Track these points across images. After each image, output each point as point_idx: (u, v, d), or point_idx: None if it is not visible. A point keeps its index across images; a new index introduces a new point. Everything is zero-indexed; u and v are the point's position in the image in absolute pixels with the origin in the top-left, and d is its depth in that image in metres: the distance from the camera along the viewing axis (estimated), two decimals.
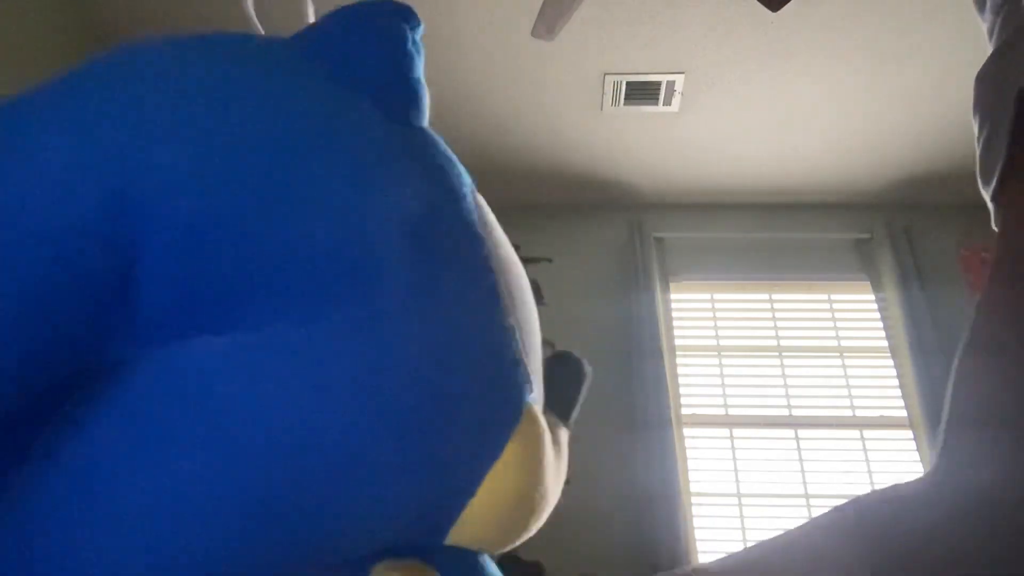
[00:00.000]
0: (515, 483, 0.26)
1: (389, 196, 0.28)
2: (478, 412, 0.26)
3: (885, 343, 2.82)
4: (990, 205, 0.41)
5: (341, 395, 0.25)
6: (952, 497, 0.32)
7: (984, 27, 0.44)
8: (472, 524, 0.27)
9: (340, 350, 0.25)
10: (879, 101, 2.61)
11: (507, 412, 0.26)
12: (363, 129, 0.31)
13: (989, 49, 0.43)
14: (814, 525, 0.36)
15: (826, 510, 0.36)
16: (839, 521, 0.34)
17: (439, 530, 0.28)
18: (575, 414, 0.30)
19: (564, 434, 0.28)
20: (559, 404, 0.29)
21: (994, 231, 0.42)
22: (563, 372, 0.29)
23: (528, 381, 0.27)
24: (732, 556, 0.36)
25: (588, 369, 0.29)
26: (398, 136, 0.32)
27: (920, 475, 0.36)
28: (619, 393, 2.67)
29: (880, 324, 2.86)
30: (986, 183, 0.41)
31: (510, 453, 0.26)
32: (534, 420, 0.27)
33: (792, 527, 0.35)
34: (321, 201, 0.26)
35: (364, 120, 0.31)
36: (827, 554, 0.31)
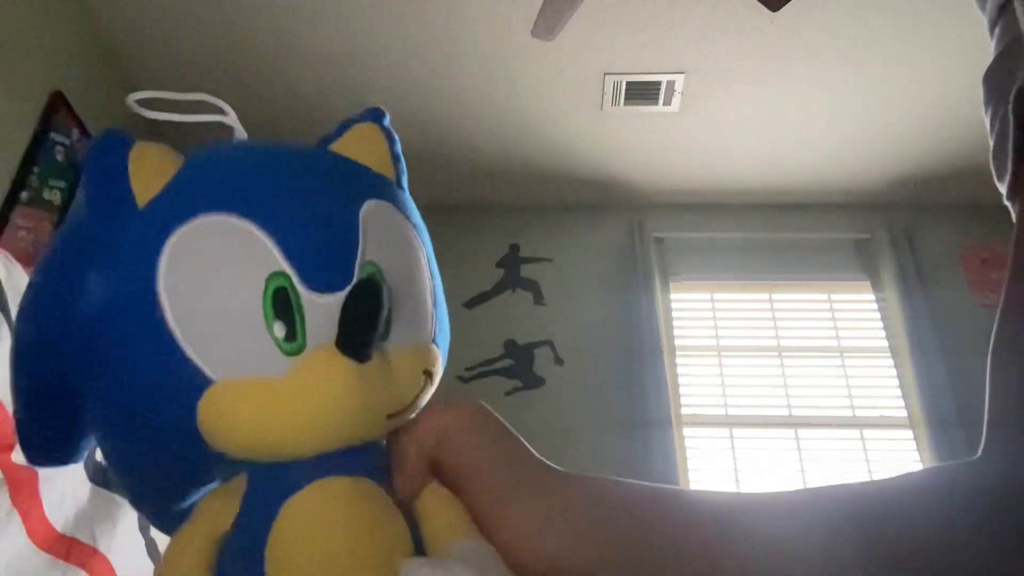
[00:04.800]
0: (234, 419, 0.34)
1: None
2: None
3: (885, 343, 2.82)
4: (1007, 203, 0.41)
5: None
6: (995, 493, 0.33)
7: (985, 22, 0.44)
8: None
9: None
10: (879, 101, 2.61)
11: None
12: None
13: (990, 46, 0.43)
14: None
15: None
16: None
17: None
18: (367, 340, 0.35)
19: (337, 361, 0.35)
20: (343, 339, 0.35)
21: (998, 232, 0.42)
22: (352, 308, 0.36)
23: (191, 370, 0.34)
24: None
25: (378, 298, 0.36)
26: None
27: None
28: (619, 393, 2.67)
29: (880, 324, 2.86)
30: (1000, 182, 0.41)
31: (206, 416, 0.34)
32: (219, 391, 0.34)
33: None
34: None
35: None
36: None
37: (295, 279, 0.35)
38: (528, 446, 0.38)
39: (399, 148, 0.44)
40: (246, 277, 0.35)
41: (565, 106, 2.67)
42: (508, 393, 2.71)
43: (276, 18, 2.36)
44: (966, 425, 2.48)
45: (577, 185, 3.04)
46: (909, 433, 2.63)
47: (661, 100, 2.61)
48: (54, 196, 2.17)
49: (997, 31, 0.41)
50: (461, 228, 2.97)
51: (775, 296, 2.96)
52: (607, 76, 2.54)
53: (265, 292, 0.35)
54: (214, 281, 0.35)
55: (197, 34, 2.42)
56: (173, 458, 0.37)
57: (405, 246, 0.40)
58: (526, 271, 2.99)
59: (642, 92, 2.59)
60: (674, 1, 2.25)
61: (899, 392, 2.72)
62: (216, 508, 0.36)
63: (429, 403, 0.39)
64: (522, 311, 2.90)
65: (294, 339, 0.35)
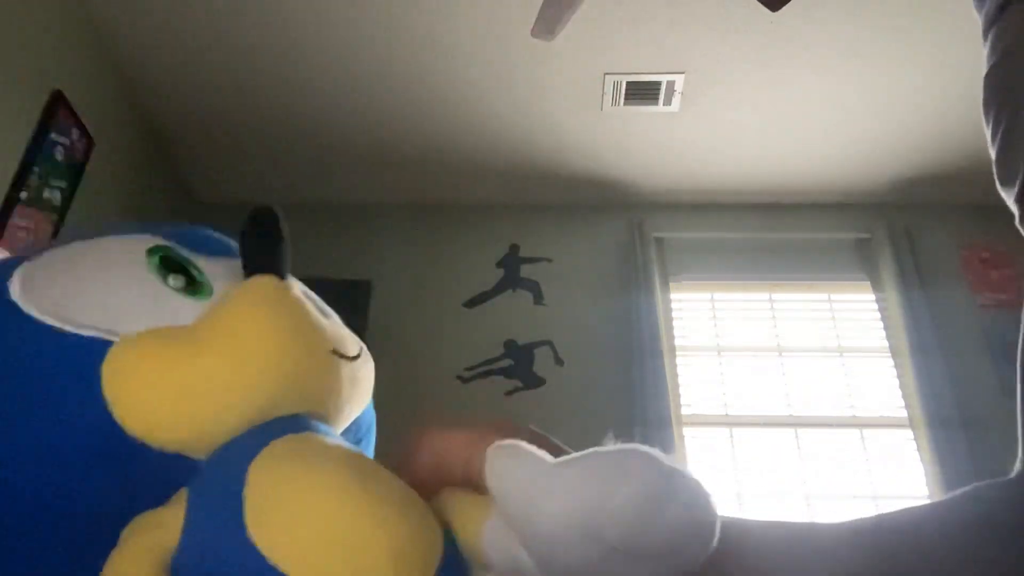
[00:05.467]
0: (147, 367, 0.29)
1: None
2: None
3: (885, 343, 2.82)
4: (1014, 207, 0.40)
5: None
6: None
7: (981, 22, 0.43)
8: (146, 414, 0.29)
9: None
10: (879, 101, 2.61)
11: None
12: None
13: (982, 47, 0.42)
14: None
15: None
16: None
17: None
18: (279, 265, 0.33)
19: (263, 281, 0.31)
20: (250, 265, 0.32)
21: (998, 232, 0.41)
22: (252, 226, 0.33)
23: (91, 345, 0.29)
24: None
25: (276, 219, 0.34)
26: None
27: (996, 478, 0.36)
28: (619, 393, 2.67)
29: (880, 324, 2.86)
30: (1007, 184, 0.40)
31: (112, 371, 0.29)
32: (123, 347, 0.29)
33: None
34: None
35: None
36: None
37: (178, 247, 0.33)
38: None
39: None
40: (122, 252, 0.32)
41: (565, 106, 2.67)
42: (508, 393, 2.71)
43: (275, 18, 2.36)
44: (966, 425, 2.48)
45: (577, 185, 3.04)
46: (909, 433, 2.63)
47: (661, 100, 2.61)
48: (54, 196, 2.17)
49: (993, 32, 0.41)
50: (461, 228, 2.97)
51: (775, 296, 2.96)
52: (607, 76, 2.54)
53: (150, 257, 0.32)
54: (85, 262, 0.32)
55: (197, 33, 2.42)
56: (80, 476, 0.29)
57: None
58: (526, 271, 2.99)
59: (642, 92, 2.59)
60: (674, 1, 2.25)
61: (899, 392, 2.72)
62: (152, 521, 0.28)
63: (472, 424, 0.36)
64: (522, 311, 2.90)
65: (198, 285, 0.32)
